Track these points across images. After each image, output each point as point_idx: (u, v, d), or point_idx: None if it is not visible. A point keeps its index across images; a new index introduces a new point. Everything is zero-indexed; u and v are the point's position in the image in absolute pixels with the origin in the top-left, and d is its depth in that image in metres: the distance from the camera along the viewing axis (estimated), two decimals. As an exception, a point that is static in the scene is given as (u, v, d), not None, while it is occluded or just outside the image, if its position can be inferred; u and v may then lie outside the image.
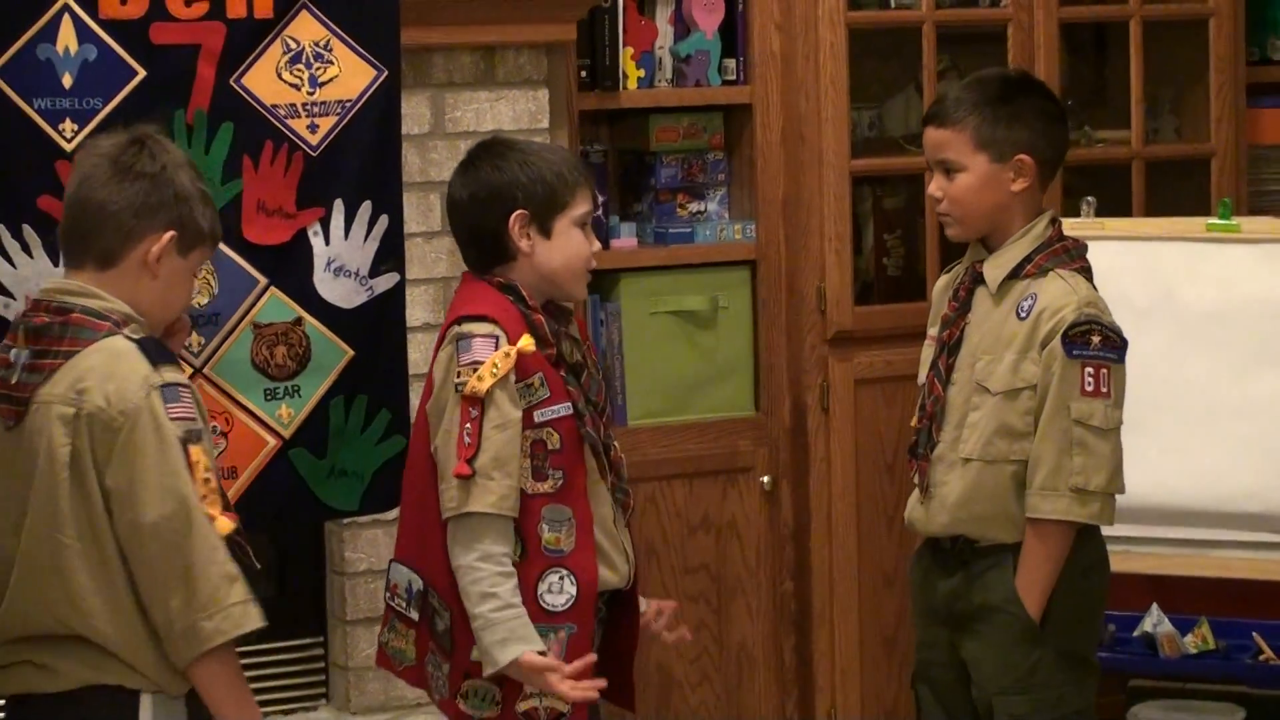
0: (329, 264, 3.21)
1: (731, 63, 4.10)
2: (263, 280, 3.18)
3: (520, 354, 2.83)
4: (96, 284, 2.61)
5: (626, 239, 4.06)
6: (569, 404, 2.88)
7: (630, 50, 4.02)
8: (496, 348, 2.84)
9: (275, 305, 3.18)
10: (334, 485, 3.25)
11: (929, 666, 3.25)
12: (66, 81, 3.02)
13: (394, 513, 3.18)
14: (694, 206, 4.13)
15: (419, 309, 3.70)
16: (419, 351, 3.59)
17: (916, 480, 3.19)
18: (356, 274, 3.24)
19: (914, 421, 3.24)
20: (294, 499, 3.22)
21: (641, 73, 4.04)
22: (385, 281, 3.27)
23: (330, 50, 3.18)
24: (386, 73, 3.23)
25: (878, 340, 4.15)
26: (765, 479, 4.12)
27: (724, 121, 4.15)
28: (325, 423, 3.22)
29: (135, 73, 3.06)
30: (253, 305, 3.17)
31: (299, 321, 3.20)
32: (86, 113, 3.03)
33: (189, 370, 3.09)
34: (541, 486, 2.87)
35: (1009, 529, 3.10)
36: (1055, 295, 3.08)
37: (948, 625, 3.18)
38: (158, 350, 2.60)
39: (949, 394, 3.15)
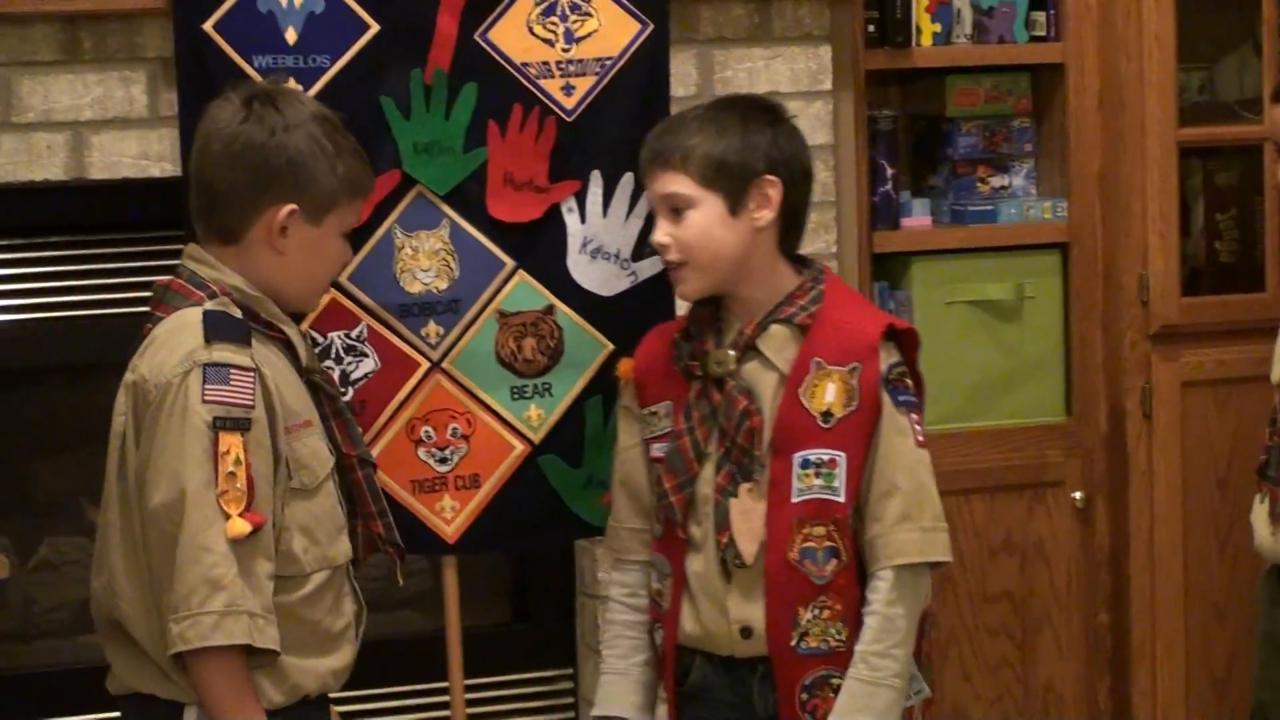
0: (585, 244, 3.04)
1: (1041, 16, 3.90)
2: (510, 263, 3.02)
3: (626, 378, 2.83)
4: (220, 256, 2.60)
5: (919, 217, 3.88)
6: (670, 439, 2.75)
7: (925, 2, 3.84)
8: None
9: (523, 291, 3.03)
10: (589, 498, 3.08)
11: (1268, 708, 3.12)
12: (290, 37, 2.92)
13: (651, 528, 3.07)
14: (996, 181, 3.95)
15: (690, 297, 3.50)
16: (689, 346, 3.43)
17: (1269, 507, 2.97)
18: (617, 256, 3.06)
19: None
20: (544, 513, 3.07)
21: (937, 27, 3.86)
22: (650, 266, 3.07)
23: (589, 1, 3.02)
24: (652, 26, 3.05)
25: (1208, 336, 3.92)
26: (1078, 495, 3.92)
27: (1031, 84, 3.96)
28: (580, 426, 3.06)
29: (367, 27, 2.93)
30: (498, 291, 3.02)
31: (550, 310, 3.04)
32: (312, 71, 2.92)
33: (425, 365, 2.99)
34: (657, 529, 2.78)
35: None
36: None
37: (1295, 662, 3.02)
38: (225, 327, 2.52)
39: None
